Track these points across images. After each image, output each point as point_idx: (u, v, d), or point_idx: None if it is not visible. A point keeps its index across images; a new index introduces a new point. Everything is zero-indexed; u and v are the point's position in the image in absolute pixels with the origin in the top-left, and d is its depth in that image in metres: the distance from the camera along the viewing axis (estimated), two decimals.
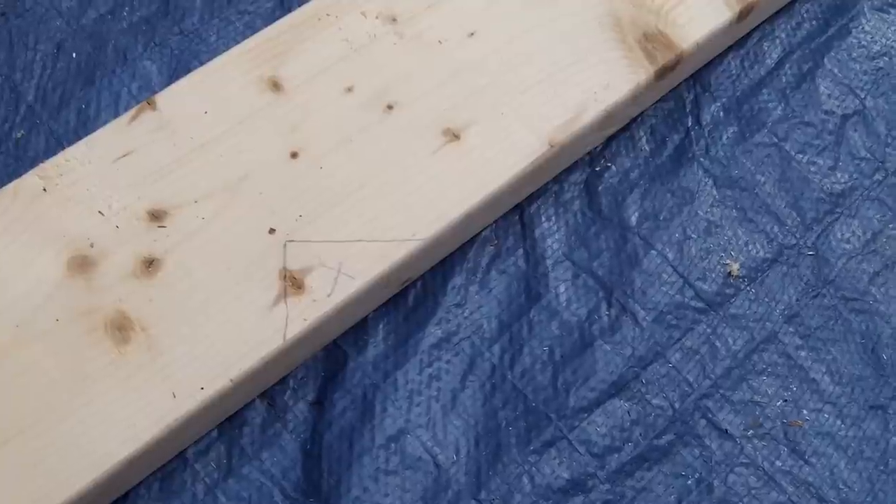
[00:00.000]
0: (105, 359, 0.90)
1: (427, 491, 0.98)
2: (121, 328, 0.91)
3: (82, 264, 0.93)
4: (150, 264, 0.94)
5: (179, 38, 1.17)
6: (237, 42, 1.10)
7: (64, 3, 1.17)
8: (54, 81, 1.13)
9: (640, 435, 1.02)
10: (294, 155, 1.00)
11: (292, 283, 0.94)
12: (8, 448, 0.85)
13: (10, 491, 0.84)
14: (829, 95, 1.21)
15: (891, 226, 1.15)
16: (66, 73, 1.14)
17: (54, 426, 0.87)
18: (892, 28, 1.26)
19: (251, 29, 1.17)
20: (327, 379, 1.02)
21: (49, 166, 0.97)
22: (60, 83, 1.13)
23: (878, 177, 1.17)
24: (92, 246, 0.94)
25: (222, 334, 0.92)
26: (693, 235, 1.11)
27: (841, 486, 1.02)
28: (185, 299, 0.93)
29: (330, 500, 0.96)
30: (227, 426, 0.99)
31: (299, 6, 1.12)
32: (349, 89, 1.03)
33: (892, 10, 1.27)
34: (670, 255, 1.10)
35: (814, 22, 1.25)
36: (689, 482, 1.01)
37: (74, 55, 1.15)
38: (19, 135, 1.10)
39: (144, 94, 1.13)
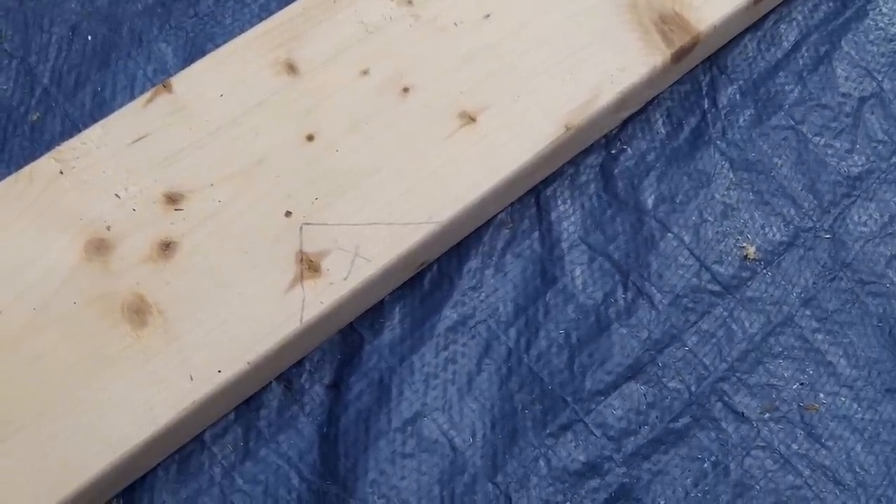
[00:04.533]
0: (122, 342, 0.90)
1: (444, 474, 0.98)
2: (138, 311, 0.91)
3: (99, 248, 0.93)
4: (166, 247, 0.94)
5: (195, 20, 1.16)
6: (252, 24, 1.10)
7: None
8: (69, 64, 1.13)
9: (657, 418, 1.02)
10: (310, 138, 1.00)
11: (309, 266, 0.94)
12: (26, 432, 0.86)
13: (28, 475, 0.84)
14: (846, 78, 1.20)
15: None
16: (82, 56, 1.13)
17: (71, 410, 0.87)
18: None
19: (266, 11, 1.17)
20: (344, 362, 1.02)
21: (65, 149, 0.97)
22: (76, 66, 1.13)
23: (895, 160, 1.17)
24: (108, 229, 0.94)
25: (239, 317, 0.92)
26: (709, 218, 1.11)
27: (857, 470, 1.02)
28: (202, 282, 0.93)
29: (347, 483, 0.97)
30: (244, 409, 0.99)
31: None
32: (365, 72, 1.03)
33: None
34: (687, 239, 1.09)
35: (831, 4, 1.24)
36: (706, 465, 1.01)
37: (90, 37, 1.14)
38: (35, 117, 1.10)
39: (160, 76, 1.13)
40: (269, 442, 0.98)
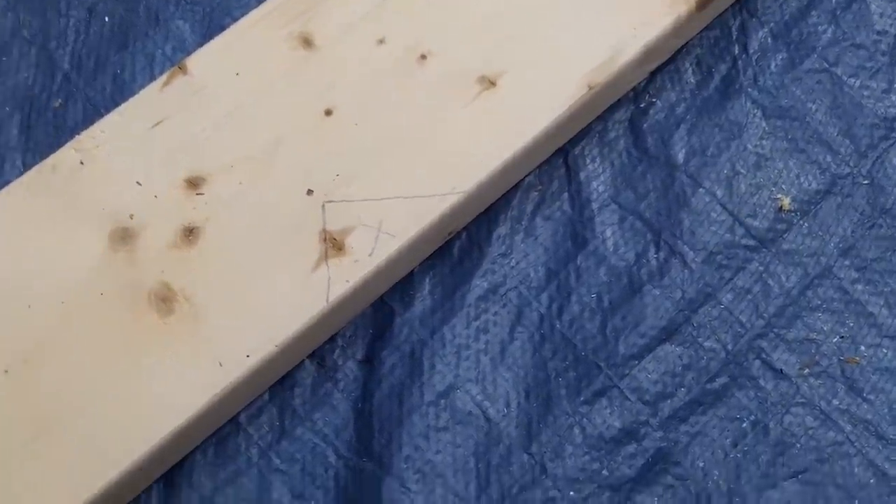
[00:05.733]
0: (151, 331, 0.90)
1: (479, 446, 0.98)
2: (165, 299, 0.91)
3: (123, 237, 0.93)
4: (190, 233, 0.94)
5: None
6: None
7: None
8: (88, 47, 1.12)
9: (693, 379, 1.00)
10: (328, 113, 0.98)
11: (333, 244, 0.93)
12: (62, 425, 0.86)
13: (67, 466, 0.85)
14: (880, 14, 1.15)
15: None
16: (100, 39, 1.13)
17: (106, 401, 0.87)
18: None
19: None
20: (375, 336, 1.02)
21: (85, 138, 0.97)
22: (94, 49, 1.12)
23: None
24: (132, 217, 0.94)
25: (265, 300, 0.92)
26: (742, 171, 1.08)
27: None
28: (227, 267, 0.93)
29: (382, 459, 0.97)
30: (278, 388, 0.99)
31: None
32: (381, 41, 1.01)
33: None
34: (719, 193, 1.07)
35: None
36: (745, 425, 0.99)
37: (107, 19, 1.14)
38: (57, 104, 1.10)
39: (178, 54, 1.12)
40: (304, 420, 0.98)
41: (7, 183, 1.01)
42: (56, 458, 0.86)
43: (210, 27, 1.13)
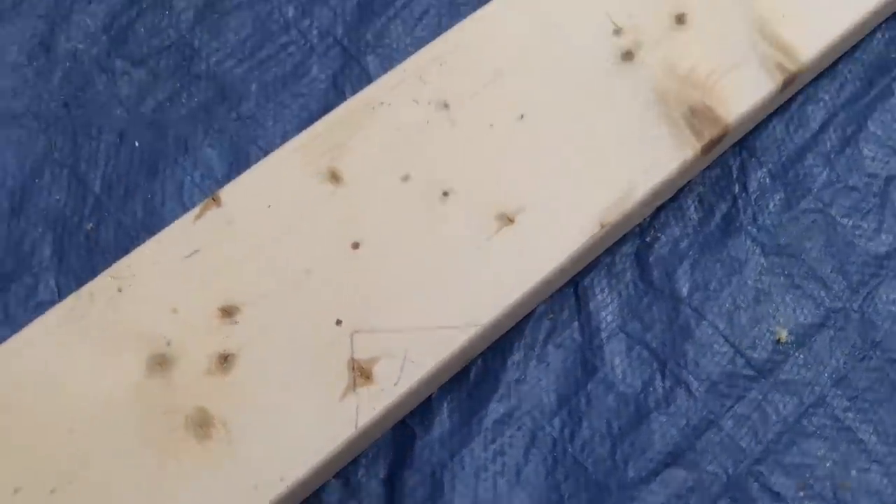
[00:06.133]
0: (188, 456, 0.94)
1: None
2: (202, 424, 0.95)
3: (161, 363, 0.98)
4: (225, 360, 0.98)
5: (237, 123, 1.20)
6: (293, 125, 1.15)
7: (123, 91, 1.20)
8: (119, 172, 1.17)
9: (697, 502, 1.05)
10: (356, 245, 1.03)
11: (361, 373, 0.98)
12: None
13: None
14: (872, 158, 1.22)
15: None
16: (130, 163, 1.17)
17: None
18: None
19: (306, 111, 1.21)
20: (397, 457, 1.06)
21: (122, 266, 1.02)
22: (125, 174, 1.17)
23: None
24: (168, 344, 0.98)
25: (298, 426, 0.96)
26: (742, 305, 1.14)
27: None
28: (261, 393, 0.97)
29: None
30: None
31: (352, 89, 1.16)
32: (406, 178, 1.07)
33: None
34: (721, 326, 1.13)
35: (857, 82, 1.25)
36: None
37: (137, 144, 1.18)
38: (89, 227, 1.14)
39: (206, 181, 1.17)
40: None
41: (41, 304, 1.06)
42: None
43: (237, 154, 1.18)
